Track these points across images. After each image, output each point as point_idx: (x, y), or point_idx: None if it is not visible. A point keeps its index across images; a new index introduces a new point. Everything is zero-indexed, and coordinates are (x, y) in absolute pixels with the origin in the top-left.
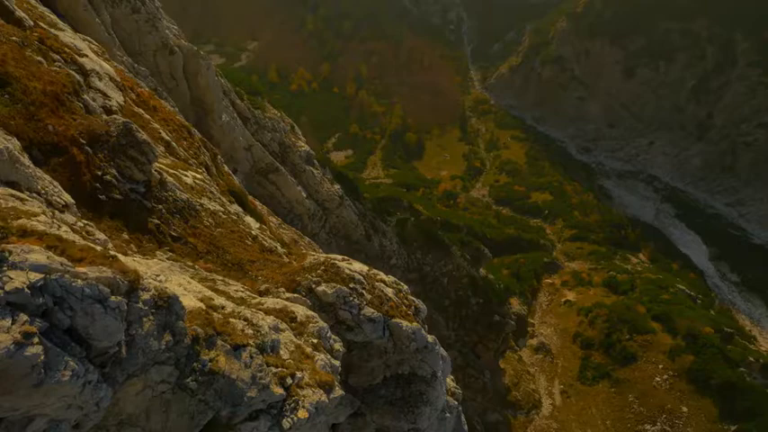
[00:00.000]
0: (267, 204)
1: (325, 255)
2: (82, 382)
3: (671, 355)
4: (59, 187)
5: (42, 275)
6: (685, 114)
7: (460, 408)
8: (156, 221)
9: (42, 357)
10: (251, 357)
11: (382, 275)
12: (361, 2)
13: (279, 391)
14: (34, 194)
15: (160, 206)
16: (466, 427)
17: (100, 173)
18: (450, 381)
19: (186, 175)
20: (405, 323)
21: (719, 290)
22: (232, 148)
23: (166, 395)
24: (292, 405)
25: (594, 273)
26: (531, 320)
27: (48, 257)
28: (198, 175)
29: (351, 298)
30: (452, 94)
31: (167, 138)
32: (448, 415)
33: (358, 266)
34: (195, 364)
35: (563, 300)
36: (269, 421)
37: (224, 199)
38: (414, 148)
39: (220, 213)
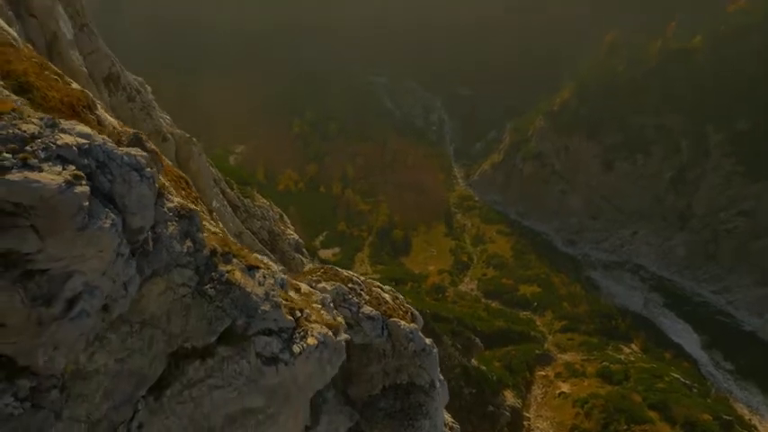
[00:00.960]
0: None
1: (323, 265)
2: (118, 242)
3: None
4: None
5: (88, 141)
6: (665, 205)
7: None
8: None
9: (87, 203)
10: (264, 278)
11: (378, 284)
12: (347, 105)
13: (289, 317)
14: None
15: None
16: None
17: None
18: (447, 416)
19: None
20: (403, 323)
21: (714, 378)
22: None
23: (186, 299)
24: (302, 333)
25: (588, 363)
26: (527, 414)
27: (91, 131)
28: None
29: (350, 296)
30: (437, 192)
31: (167, 183)
32: None
33: (355, 274)
34: (213, 273)
35: (558, 392)
36: (280, 344)
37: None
38: (401, 245)
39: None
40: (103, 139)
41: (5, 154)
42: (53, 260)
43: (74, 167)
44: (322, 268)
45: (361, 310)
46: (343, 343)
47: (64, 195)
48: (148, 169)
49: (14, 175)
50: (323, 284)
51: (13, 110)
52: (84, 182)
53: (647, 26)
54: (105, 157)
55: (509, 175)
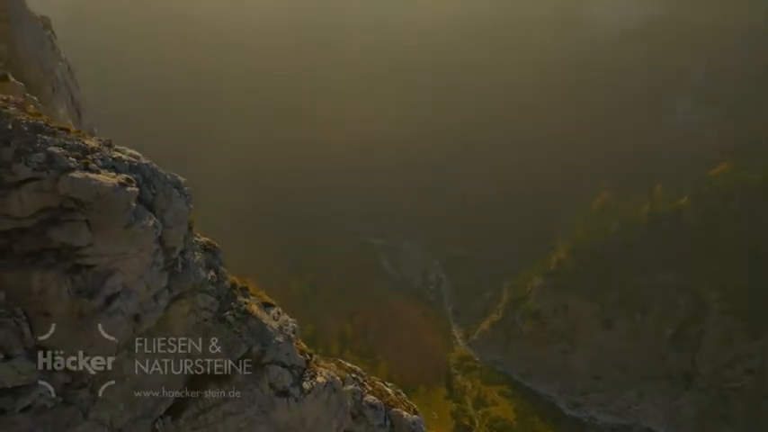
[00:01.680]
0: None
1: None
2: (156, 247)
3: None
4: None
5: (137, 160)
6: (669, 363)
7: None
8: None
9: (134, 205)
10: (278, 314)
11: (381, 379)
12: (346, 266)
13: (300, 357)
14: None
15: None
16: None
17: None
18: None
19: None
20: (406, 413)
21: None
22: None
23: (208, 323)
24: (311, 374)
25: None
26: None
27: (139, 153)
28: None
29: (353, 385)
30: (436, 352)
31: None
32: None
33: (358, 367)
34: (233, 303)
35: None
36: (291, 379)
37: None
38: None
39: None
40: (149, 160)
41: (71, 158)
42: (99, 255)
43: (125, 175)
44: (324, 359)
45: (365, 398)
46: (349, 402)
47: (117, 193)
48: (186, 187)
49: (77, 174)
50: (328, 371)
51: (78, 131)
52: (134, 185)
53: (634, 189)
54: (151, 174)
55: (509, 335)
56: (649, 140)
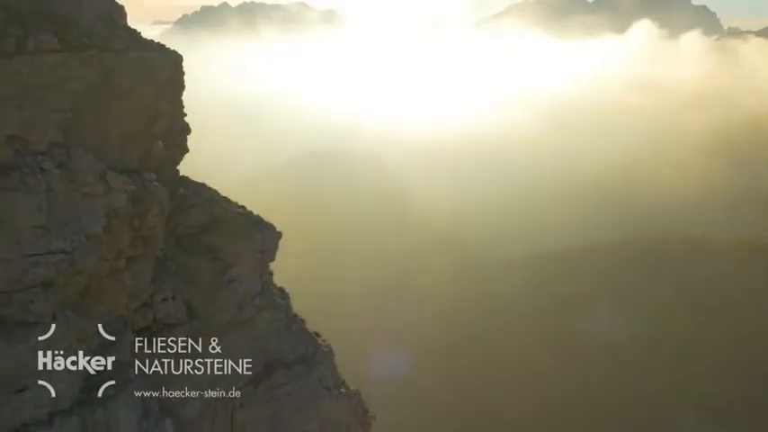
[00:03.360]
0: None
1: None
2: (258, 257)
3: None
4: None
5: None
6: None
7: None
8: None
9: (251, 229)
10: (324, 340)
11: None
12: None
13: (337, 372)
14: None
15: None
16: None
17: None
18: None
19: None
20: None
21: None
22: None
23: (280, 330)
24: (345, 385)
25: None
26: None
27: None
28: None
29: None
30: None
31: None
32: None
33: None
34: (295, 323)
35: None
36: (332, 382)
37: None
38: None
39: None
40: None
41: (218, 197)
42: (227, 251)
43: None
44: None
45: None
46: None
47: (243, 216)
48: (278, 230)
49: (223, 204)
50: None
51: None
52: (254, 216)
53: None
54: (258, 218)
55: None
56: None
